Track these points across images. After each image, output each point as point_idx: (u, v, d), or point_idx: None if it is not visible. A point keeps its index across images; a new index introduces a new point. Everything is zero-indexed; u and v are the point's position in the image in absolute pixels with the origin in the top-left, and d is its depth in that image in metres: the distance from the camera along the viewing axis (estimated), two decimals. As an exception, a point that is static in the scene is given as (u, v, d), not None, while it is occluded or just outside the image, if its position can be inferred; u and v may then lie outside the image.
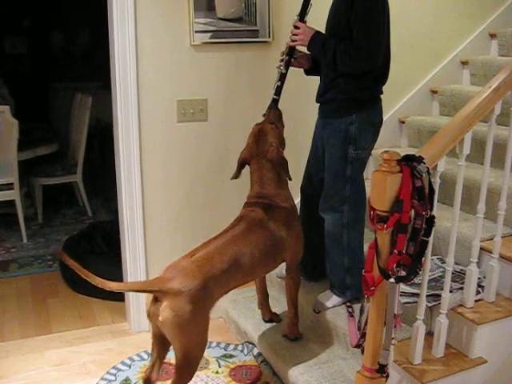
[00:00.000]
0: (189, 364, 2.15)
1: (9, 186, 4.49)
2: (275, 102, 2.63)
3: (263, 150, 2.55)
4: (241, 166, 2.60)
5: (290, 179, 2.55)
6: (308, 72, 2.76)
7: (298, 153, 2.95)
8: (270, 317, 2.90)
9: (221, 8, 2.96)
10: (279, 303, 3.03)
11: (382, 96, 2.61)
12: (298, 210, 2.92)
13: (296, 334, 2.75)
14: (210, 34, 2.97)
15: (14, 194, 4.52)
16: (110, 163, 3.33)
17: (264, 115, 2.63)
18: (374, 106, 2.59)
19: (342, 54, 2.41)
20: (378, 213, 1.84)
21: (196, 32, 2.93)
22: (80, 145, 5.15)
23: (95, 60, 7.00)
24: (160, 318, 2.08)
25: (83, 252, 3.80)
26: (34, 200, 5.15)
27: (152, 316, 2.13)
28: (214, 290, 2.19)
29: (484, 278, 2.47)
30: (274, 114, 2.63)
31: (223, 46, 3.03)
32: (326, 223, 2.69)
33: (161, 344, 2.24)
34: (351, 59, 2.41)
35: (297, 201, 2.93)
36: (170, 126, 3.00)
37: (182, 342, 2.11)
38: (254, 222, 2.46)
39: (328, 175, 2.65)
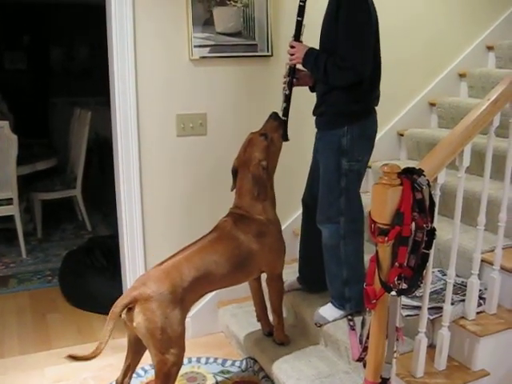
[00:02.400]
0: (166, 372, 2.21)
1: (8, 201, 4.49)
2: (284, 122, 2.65)
3: (248, 161, 2.59)
4: (234, 175, 2.66)
5: (265, 198, 2.59)
6: (313, 89, 2.76)
7: (300, 164, 2.96)
8: (269, 330, 2.88)
9: (219, 22, 2.98)
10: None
11: (379, 109, 2.62)
12: (300, 222, 2.93)
13: (281, 338, 2.80)
14: (208, 49, 2.98)
15: (13, 209, 4.52)
16: (109, 178, 3.33)
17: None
18: (367, 118, 2.59)
19: (332, 67, 2.44)
20: (379, 225, 1.84)
21: (195, 46, 2.94)
22: (79, 159, 5.16)
23: (94, 75, 7.03)
24: (134, 324, 2.17)
25: (83, 267, 3.78)
26: (33, 215, 5.15)
27: (127, 323, 2.22)
28: (184, 295, 2.26)
29: (485, 289, 2.47)
30: (272, 124, 2.65)
31: (222, 61, 3.04)
32: (324, 236, 2.68)
33: (135, 350, 2.36)
34: (340, 71, 2.43)
35: (298, 212, 2.92)
36: (169, 141, 3.01)
37: (156, 347, 2.18)
38: (224, 231, 2.54)
39: (323, 187, 2.65)
